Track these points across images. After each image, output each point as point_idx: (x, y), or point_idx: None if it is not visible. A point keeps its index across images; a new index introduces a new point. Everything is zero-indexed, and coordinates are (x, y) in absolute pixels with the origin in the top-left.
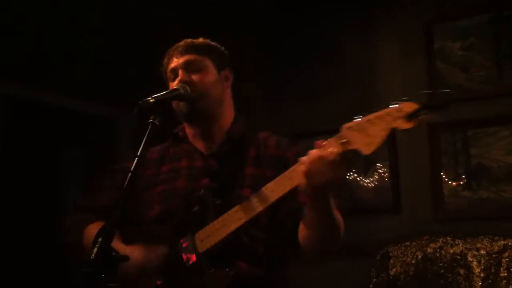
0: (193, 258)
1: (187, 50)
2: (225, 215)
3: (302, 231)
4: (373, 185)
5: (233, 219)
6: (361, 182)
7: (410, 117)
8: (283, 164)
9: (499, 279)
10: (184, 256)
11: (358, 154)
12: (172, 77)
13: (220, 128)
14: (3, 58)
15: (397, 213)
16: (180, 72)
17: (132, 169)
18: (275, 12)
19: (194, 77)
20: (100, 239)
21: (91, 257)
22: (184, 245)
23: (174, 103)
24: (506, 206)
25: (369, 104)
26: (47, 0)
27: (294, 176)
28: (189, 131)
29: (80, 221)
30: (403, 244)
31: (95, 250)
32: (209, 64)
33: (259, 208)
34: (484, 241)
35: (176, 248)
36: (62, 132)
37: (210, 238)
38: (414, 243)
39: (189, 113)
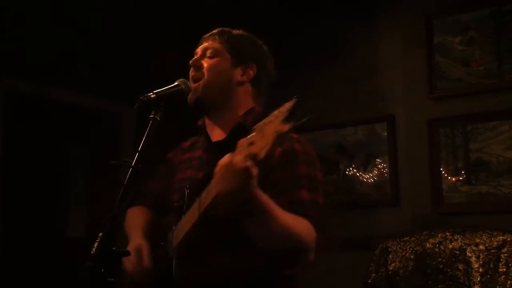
0: (170, 252)
1: (213, 36)
2: (189, 211)
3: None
4: (373, 180)
5: (192, 215)
6: (361, 177)
7: (286, 119)
8: (269, 155)
9: (498, 274)
10: (167, 250)
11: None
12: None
13: (231, 119)
14: (7, 53)
15: (396, 208)
16: (197, 54)
17: (132, 164)
18: (275, 12)
19: (206, 62)
20: (101, 234)
21: (92, 252)
22: (169, 240)
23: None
24: (505, 200)
25: (371, 98)
26: None
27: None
28: (206, 121)
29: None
30: (402, 239)
31: (95, 244)
32: (226, 54)
33: (202, 208)
34: (483, 237)
35: (165, 243)
36: (66, 128)
37: (179, 233)
38: (413, 238)
39: (194, 99)
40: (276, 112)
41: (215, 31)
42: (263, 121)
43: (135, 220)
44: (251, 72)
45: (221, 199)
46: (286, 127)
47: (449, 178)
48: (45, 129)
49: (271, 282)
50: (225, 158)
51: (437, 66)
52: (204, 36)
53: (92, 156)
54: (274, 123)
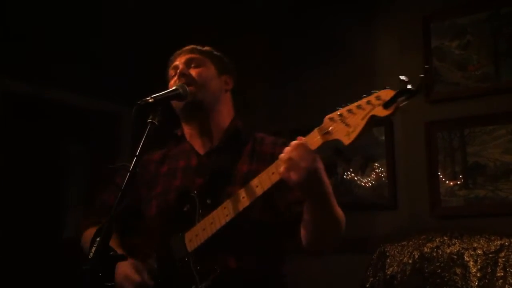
0: (183, 258)
1: (190, 51)
2: (213, 212)
3: (304, 226)
4: (371, 184)
5: (220, 216)
6: (358, 181)
7: (387, 104)
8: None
9: (495, 278)
10: (174, 257)
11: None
12: (173, 74)
13: (218, 127)
14: (5, 54)
15: (394, 211)
16: (180, 66)
17: (131, 168)
18: (276, 12)
19: (193, 71)
20: (98, 238)
21: (89, 256)
22: (174, 245)
23: (174, 101)
24: (502, 204)
25: None
26: None
27: (277, 170)
28: (187, 130)
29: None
30: (400, 244)
31: (93, 249)
32: (209, 64)
33: (245, 203)
34: (481, 241)
35: (166, 249)
36: (65, 128)
37: (198, 237)
38: (411, 242)
39: (187, 104)
40: (362, 102)
41: (188, 47)
42: (340, 110)
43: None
44: (230, 83)
45: (302, 184)
46: (384, 113)
47: (446, 181)
48: (43, 130)
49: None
50: (295, 142)
51: (434, 70)
52: (178, 52)
53: (91, 157)
54: (365, 110)
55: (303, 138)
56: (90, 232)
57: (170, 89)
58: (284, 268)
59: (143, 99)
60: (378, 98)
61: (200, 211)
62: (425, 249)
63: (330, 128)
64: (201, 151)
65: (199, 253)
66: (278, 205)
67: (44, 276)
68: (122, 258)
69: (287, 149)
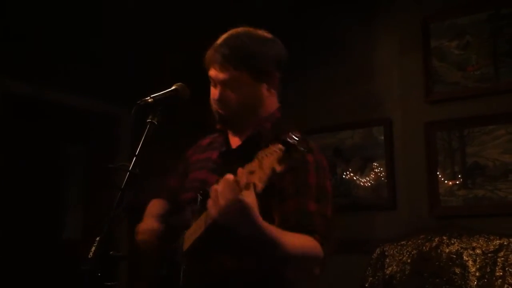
0: (179, 255)
1: (225, 64)
2: (199, 218)
3: None
4: (370, 184)
5: (200, 225)
6: (357, 181)
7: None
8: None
9: (494, 278)
10: (176, 253)
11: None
12: (212, 82)
13: (254, 126)
14: (4, 55)
15: (393, 211)
16: (219, 88)
17: (130, 168)
18: (275, 12)
19: (231, 95)
20: (98, 238)
21: (89, 256)
22: (179, 242)
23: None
24: (501, 204)
25: (368, 101)
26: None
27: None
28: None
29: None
30: (399, 243)
31: (93, 248)
32: (246, 79)
33: (207, 223)
34: (480, 241)
35: (175, 244)
36: (63, 129)
37: (192, 235)
38: (410, 242)
39: (221, 124)
40: (279, 145)
41: (226, 52)
42: (264, 151)
43: (154, 208)
44: (276, 80)
45: (222, 223)
46: (281, 168)
47: (445, 182)
48: (43, 131)
49: (273, 283)
50: (220, 186)
51: (433, 70)
52: (215, 58)
53: (90, 158)
54: (273, 157)
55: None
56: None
57: (169, 89)
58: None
59: (143, 99)
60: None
61: (200, 210)
62: (424, 249)
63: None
64: (232, 146)
65: (192, 253)
66: (274, 215)
67: (44, 276)
68: (122, 257)
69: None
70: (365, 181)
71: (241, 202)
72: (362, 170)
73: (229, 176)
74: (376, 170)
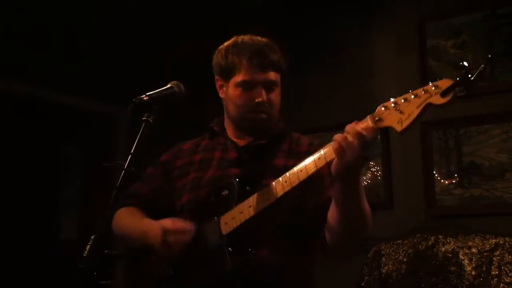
0: (216, 240)
1: (267, 67)
2: (250, 198)
3: (330, 220)
4: (366, 183)
5: (259, 201)
6: None
7: (445, 93)
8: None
9: (490, 277)
10: (206, 239)
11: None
12: (245, 87)
13: (266, 127)
14: (2, 55)
15: (390, 210)
16: (262, 92)
17: (125, 167)
18: (275, 12)
19: (272, 96)
20: (93, 237)
21: (84, 254)
22: (208, 228)
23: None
24: (497, 203)
25: (364, 100)
26: None
27: (323, 155)
28: (229, 127)
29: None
30: (395, 242)
31: (88, 247)
32: (279, 80)
33: (286, 188)
34: (476, 240)
35: (199, 231)
36: (61, 129)
37: (234, 220)
38: (406, 241)
39: (255, 128)
40: (419, 90)
41: (275, 57)
42: (395, 99)
43: (135, 215)
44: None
45: (348, 170)
46: (440, 101)
47: (442, 181)
48: (40, 131)
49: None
50: (349, 128)
51: (430, 70)
52: (253, 62)
53: (87, 158)
54: (421, 98)
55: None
56: (119, 215)
57: (165, 87)
58: (313, 269)
59: (138, 97)
60: (436, 87)
61: (238, 196)
62: (420, 248)
63: (383, 115)
64: (240, 144)
65: (233, 237)
66: (308, 206)
67: (41, 276)
68: (118, 256)
69: (337, 136)
70: (361, 180)
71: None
72: None
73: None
74: (373, 170)
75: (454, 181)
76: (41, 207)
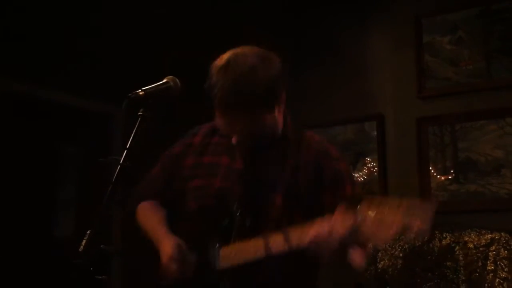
0: (214, 272)
1: (237, 111)
2: (249, 242)
3: None
4: (362, 179)
5: (252, 250)
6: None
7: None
8: (318, 175)
9: (486, 272)
10: (207, 265)
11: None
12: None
13: (269, 134)
14: (0, 54)
15: None
16: (233, 137)
17: (121, 162)
18: (275, 12)
19: (251, 131)
20: (89, 232)
21: (80, 250)
22: (210, 254)
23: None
24: (493, 199)
25: (360, 97)
26: None
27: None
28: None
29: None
30: None
31: (83, 242)
32: (261, 113)
33: (282, 248)
34: (472, 235)
35: (202, 254)
36: (58, 128)
37: (229, 259)
38: (402, 236)
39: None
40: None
41: (232, 100)
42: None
43: (155, 216)
44: (284, 98)
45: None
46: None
47: (437, 176)
48: (36, 129)
49: None
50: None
51: (426, 66)
52: (223, 105)
53: (84, 156)
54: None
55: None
56: (142, 211)
57: (161, 82)
58: (317, 280)
59: (133, 92)
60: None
61: (237, 231)
62: (416, 243)
63: (364, 223)
64: (246, 151)
65: (229, 271)
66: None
67: (38, 275)
68: (114, 251)
69: (312, 232)
70: (357, 176)
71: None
72: (355, 165)
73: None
74: (369, 165)
75: (449, 177)
76: (38, 205)
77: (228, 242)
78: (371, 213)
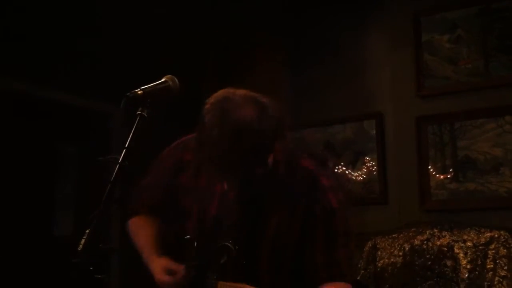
0: None
1: (233, 173)
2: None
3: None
4: (361, 178)
5: None
6: (349, 175)
7: None
8: (308, 208)
9: (485, 270)
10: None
11: None
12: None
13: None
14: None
15: (385, 205)
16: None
17: (120, 161)
18: (275, 12)
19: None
20: (87, 231)
21: (79, 249)
22: (207, 285)
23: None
24: (492, 198)
25: (359, 95)
26: None
27: None
28: None
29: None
30: (390, 236)
31: (82, 241)
32: (263, 158)
33: None
34: (471, 233)
35: (199, 281)
36: (57, 128)
37: None
38: (401, 235)
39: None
40: None
41: (237, 158)
42: None
43: (145, 229)
44: (285, 132)
45: None
46: None
47: (437, 175)
48: (36, 128)
49: None
50: None
51: (425, 64)
52: (237, 167)
53: (83, 156)
54: None
55: None
56: (132, 226)
57: (160, 81)
58: None
59: (132, 91)
60: None
61: (234, 269)
62: (416, 242)
63: None
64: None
65: None
66: (306, 267)
67: (37, 274)
68: (112, 250)
69: None
70: (357, 175)
71: None
72: (354, 164)
73: None
74: (368, 164)
75: (449, 176)
76: (38, 204)
77: (225, 277)
78: None
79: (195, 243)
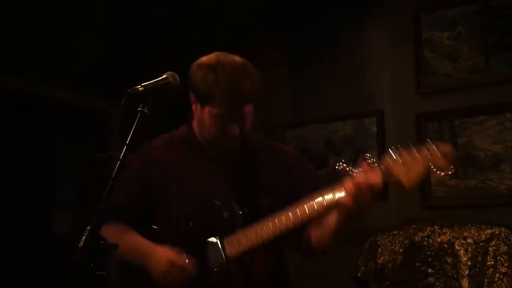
0: (222, 262)
1: (243, 102)
2: (260, 224)
3: (319, 235)
4: None
5: (267, 231)
6: (350, 172)
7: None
8: (291, 175)
9: (486, 267)
10: (211, 261)
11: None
12: (220, 120)
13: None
14: None
15: (385, 202)
16: (236, 129)
17: (121, 157)
18: (275, 12)
19: (245, 126)
20: (88, 228)
21: (79, 245)
22: (210, 250)
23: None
24: (492, 194)
25: (359, 93)
26: None
27: (334, 200)
28: (201, 136)
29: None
30: (391, 233)
31: (83, 238)
32: (252, 108)
33: (296, 222)
34: (471, 230)
35: (203, 253)
36: (57, 126)
37: (240, 244)
38: (402, 231)
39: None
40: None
41: (253, 82)
42: (401, 153)
43: (127, 232)
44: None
45: (358, 210)
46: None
47: (437, 172)
48: (35, 127)
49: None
50: (361, 181)
51: (425, 62)
52: (246, 96)
53: (82, 154)
54: (423, 160)
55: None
56: (109, 233)
57: (160, 78)
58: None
59: (133, 88)
60: (438, 147)
61: (240, 218)
62: (416, 238)
63: (392, 169)
64: (213, 153)
65: (236, 258)
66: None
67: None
68: (113, 247)
69: (350, 186)
70: (357, 172)
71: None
72: (354, 161)
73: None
74: (368, 161)
75: (449, 172)
76: (37, 203)
77: (231, 232)
78: (398, 157)
79: (191, 223)
